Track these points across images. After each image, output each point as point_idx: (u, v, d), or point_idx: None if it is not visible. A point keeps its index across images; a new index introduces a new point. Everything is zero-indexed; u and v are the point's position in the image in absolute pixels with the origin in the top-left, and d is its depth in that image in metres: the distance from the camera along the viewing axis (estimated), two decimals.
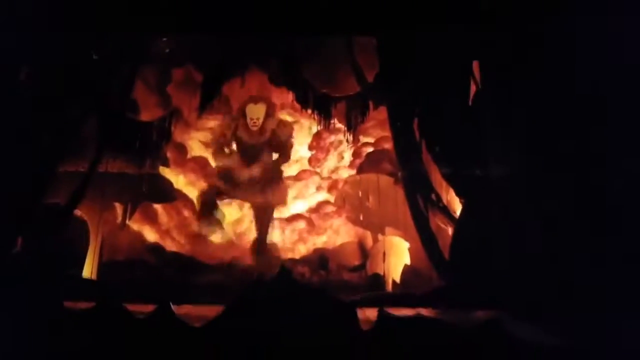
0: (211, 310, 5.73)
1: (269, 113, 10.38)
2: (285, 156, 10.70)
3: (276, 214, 10.59)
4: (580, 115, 7.44)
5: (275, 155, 10.61)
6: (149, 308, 5.53)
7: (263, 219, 10.30)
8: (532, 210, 7.63)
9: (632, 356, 4.88)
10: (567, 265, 6.96)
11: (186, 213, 10.48)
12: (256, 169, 10.29)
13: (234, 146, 10.59)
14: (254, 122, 10.26)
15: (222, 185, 10.32)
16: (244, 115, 10.31)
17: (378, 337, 5.01)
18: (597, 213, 7.09)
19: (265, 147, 10.46)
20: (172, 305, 5.54)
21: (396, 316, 5.29)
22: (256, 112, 10.26)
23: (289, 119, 11.05)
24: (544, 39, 7.83)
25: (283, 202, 10.60)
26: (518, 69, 8.06)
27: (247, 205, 10.60)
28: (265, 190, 10.25)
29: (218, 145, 10.62)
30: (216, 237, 10.37)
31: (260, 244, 10.08)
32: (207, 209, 10.37)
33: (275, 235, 10.53)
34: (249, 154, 10.37)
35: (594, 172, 7.25)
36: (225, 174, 10.36)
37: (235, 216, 10.72)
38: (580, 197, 7.26)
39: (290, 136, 10.69)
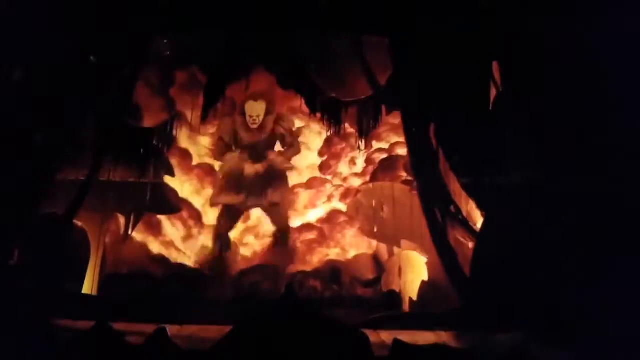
0: (215, 331, 5.66)
1: (269, 111, 10.07)
2: (294, 148, 10.39)
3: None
4: (605, 120, 7.30)
5: (280, 153, 10.32)
6: (151, 328, 5.41)
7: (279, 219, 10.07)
8: (558, 222, 7.28)
9: None
10: (594, 283, 6.67)
11: (192, 223, 10.16)
12: (260, 169, 9.98)
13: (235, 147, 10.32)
14: (254, 120, 9.96)
15: (230, 196, 9.94)
16: (242, 113, 10.01)
17: None
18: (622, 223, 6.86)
19: (267, 145, 10.18)
20: (174, 327, 5.76)
21: (412, 347, 4.90)
22: (256, 110, 9.96)
23: (298, 123, 10.74)
24: (566, 42, 7.64)
25: (292, 205, 10.36)
26: (540, 72, 7.81)
27: (253, 216, 10.27)
28: (271, 191, 9.93)
29: (219, 148, 10.30)
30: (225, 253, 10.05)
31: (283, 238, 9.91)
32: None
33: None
34: (250, 154, 10.07)
35: (619, 181, 7.04)
36: (231, 180, 10.00)
37: (240, 228, 10.39)
38: (610, 203, 7.01)
39: (292, 126, 10.40)
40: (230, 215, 10.02)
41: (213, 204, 10.10)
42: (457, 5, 8.29)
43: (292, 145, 10.37)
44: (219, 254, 9.70)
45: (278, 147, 10.48)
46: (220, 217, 10.02)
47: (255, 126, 10.01)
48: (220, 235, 9.88)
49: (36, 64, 8.19)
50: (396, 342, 4.93)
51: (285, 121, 10.34)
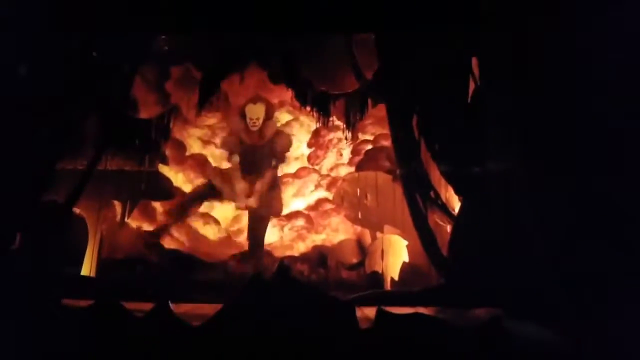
0: (210, 309, 5.66)
1: (269, 114, 10.37)
2: (282, 162, 10.70)
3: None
4: (581, 113, 7.25)
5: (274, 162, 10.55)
6: (148, 306, 5.46)
7: (258, 228, 10.24)
8: (531, 207, 7.53)
9: (634, 353, 4.85)
10: (567, 261, 6.80)
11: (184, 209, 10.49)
12: (255, 181, 10.20)
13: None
14: (254, 122, 10.22)
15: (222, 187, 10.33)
16: (243, 116, 10.28)
17: (377, 335, 4.97)
18: (597, 208, 6.89)
19: (265, 151, 10.42)
20: (170, 304, 5.45)
21: (395, 314, 5.24)
22: (256, 112, 10.21)
23: (288, 116, 11.06)
24: (544, 36, 7.66)
25: (278, 213, 10.55)
26: (517, 66, 7.92)
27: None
28: (262, 200, 10.18)
29: (229, 144, 10.54)
30: (213, 235, 10.37)
31: (254, 250, 10.02)
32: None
33: (274, 233, 10.55)
34: (249, 158, 10.33)
35: (594, 170, 7.03)
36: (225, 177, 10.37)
37: (232, 214, 10.71)
38: (580, 193, 7.07)
39: (288, 148, 10.65)
40: (257, 217, 10.27)
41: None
42: (439, 3, 8.47)
43: (283, 162, 10.65)
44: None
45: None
46: (249, 221, 10.31)
47: (255, 128, 10.26)
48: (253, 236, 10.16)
49: (36, 62, 8.31)
50: (380, 310, 5.14)
51: (284, 138, 10.60)
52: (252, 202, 10.07)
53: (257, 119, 10.22)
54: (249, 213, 10.27)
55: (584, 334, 5.32)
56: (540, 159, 7.58)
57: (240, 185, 10.13)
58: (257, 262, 9.58)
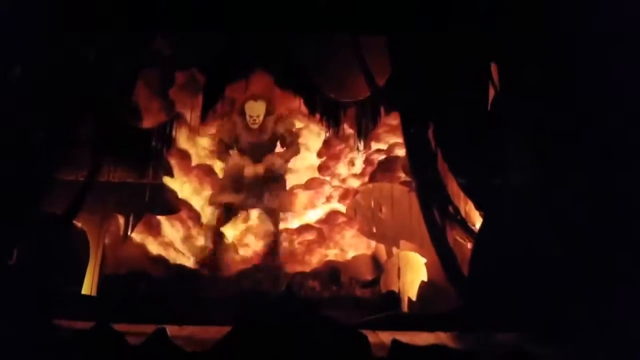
0: (215, 332, 5.63)
1: (269, 111, 10.10)
2: (294, 148, 10.42)
3: (284, 224, 10.27)
4: (602, 121, 7.25)
5: (280, 155, 10.35)
6: (150, 328, 5.36)
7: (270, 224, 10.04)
8: (554, 223, 7.31)
9: None
10: (588, 278, 6.71)
11: (190, 224, 10.16)
12: (260, 169, 10.00)
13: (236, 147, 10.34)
14: (254, 120, 10.01)
15: (230, 195, 10.00)
16: (242, 113, 10.03)
17: None
18: (622, 225, 6.83)
19: (267, 146, 10.21)
20: (173, 327, 5.72)
21: (411, 347, 4.88)
22: (256, 110, 9.99)
23: (297, 124, 10.70)
24: (566, 42, 7.60)
25: (290, 208, 10.29)
26: (539, 74, 7.79)
27: (252, 216, 10.20)
28: (268, 195, 9.97)
29: (220, 149, 10.31)
30: (223, 250, 10.04)
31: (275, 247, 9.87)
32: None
33: (284, 247, 10.20)
34: (250, 155, 10.11)
35: (618, 181, 7.01)
36: (230, 180, 10.08)
37: (240, 229, 10.33)
38: (603, 206, 6.98)
39: (292, 127, 10.40)
40: (228, 214, 10.04)
41: (212, 203, 10.11)
42: (456, 6, 8.24)
43: (292, 146, 10.39)
44: (212, 249, 9.73)
45: (278, 147, 10.52)
46: (219, 216, 10.04)
47: (255, 126, 10.04)
48: (215, 230, 9.92)
49: (36, 63, 8.17)
50: (394, 342, 4.89)
51: (285, 122, 10.35)
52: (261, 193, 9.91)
53: (257, 116, 10.01)
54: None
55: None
56: (561, 168, 7.43)
57: (249, 175, 9.98)
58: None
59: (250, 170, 10.03)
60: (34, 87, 8.10)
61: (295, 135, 10.46)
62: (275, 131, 10.25)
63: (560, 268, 6.99)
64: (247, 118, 10.00)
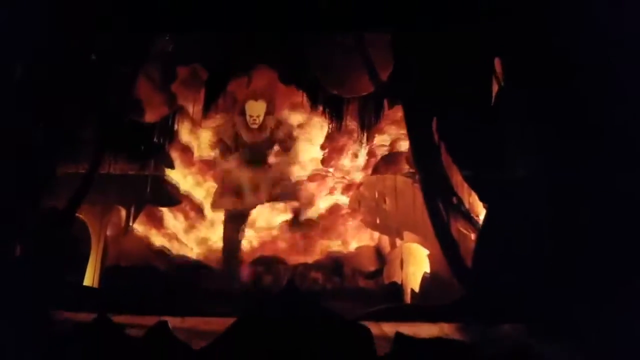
0: (217, 324, 5.57)
1: (270, 111, 10.05)
2: (291, 152, 10.36)
3: (286, 216, 10.23)
4: (605, 115, 7.15)
5: (280, 153, 10.29)
6: (152, 320, 5.36)
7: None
8: (557, 215, 7.21)
9: None
10: (591, 272, 6.60)
11: (193, 215, 10.15)
12: (260, 170, 9.99)
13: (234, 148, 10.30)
14: (254, 120, 9.96)
15: (230, 200, 10.00)
16: (243, 113, 9.99)
17: None
18: (625, 218, 6.73)
19: (267, 146, 10.17)
20: (175, 319, 5.63)
21: (414, 340, 4.84)
22: (256, 110, 9.95)
23: (300, 118, 10.60)
24: (565, 36, 7.49)
25: (295, 199, 10.29)
26: (542, 67, 7.70)
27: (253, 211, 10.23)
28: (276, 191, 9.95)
29: (221, 149, 10.29)
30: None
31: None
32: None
33: (286, 239, 10.22)
34: (250, 154, 10.07)
35: (620, 175, 6.92)
36: (230, 185, 10.05)
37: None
38: (607, 199, 6.88)
39: (291, 132, 10.32)
40: (235, 218, 10.03)
41: (215, 209, 10.12)
42: (459, 0, 8.21)
43: (290, 150, 10.33)
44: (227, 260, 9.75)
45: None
46: (225, 223, 10.05)
47: (255, 126, 10.01)
48: (230, 239, 9.92)
49: (36, 62, 8.13)
50: (398, 335, 4.83)
51: (285, 125, 10.29)
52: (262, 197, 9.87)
53: (258, 116, 9.97)
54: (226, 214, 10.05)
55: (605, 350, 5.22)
56: (565, 161, 7.36)
57: (247, 183, 9.88)
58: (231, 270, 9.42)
59: (250, 176, 9.99)
60: (35, 84, 8.05)
61: (294, 139, 10.38)
62: (275, 134, 10.22)
63: (562, 261, 6.92)
64: (248, 118, 9.97)
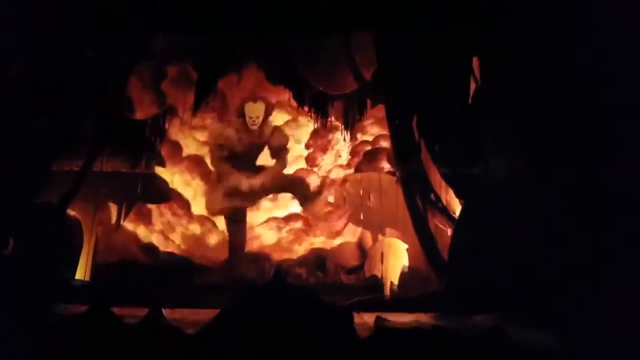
0: (206, 314, 5.61)
1: (268, 113, 10.21)
2: (282, 163, 10.45)
3: (268, 213, 10.52)
4: (581, 114, 7.27)
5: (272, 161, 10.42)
6: (143, 311, 5.41)
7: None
8: (530, 211, 7.48)
9: (630, 355, 4.81)
10: (565, 265, 6.80)
11: (181, 212, 10.34)
12: (258, 177, 10.06)
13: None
14: (253, 121, 10.06)
15: (227, 201, 10.10)
16: (241, 115, 10.11)
17: (375, 345, 4.85)
18: (595, 213, 6.91)
19: (261, 148, 10.31)
20: (165, 310, 5.47)
21: (393, 324, 5.13)
22: (256, 111, 10.06)
23: (286, 116, 10.91)
24: (544, 37, 7.69)
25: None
26: (518, 67, 7.91)
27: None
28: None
29: (216, 154, 10.31)
30: (212, 238, 10.26)
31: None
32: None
33: (271, 235, 10.44)
34: (248, 156, 10.21)
35: (593, 172, 7.07)
36: (226, 189, 10.11)
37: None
38: (578, 197, 7.08)
39: (285, 144, 10.44)
40: (234, 218, 10.19)
41: (213, 214, 10.26)
42: (439, 3, 8.40)
43: (280, 160, 10.41)
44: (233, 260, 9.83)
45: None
46: (228, 224, 10.21)
47: (255, 127, 10.09)
48: (234, 243, 10.05)
49: (34, 59, 8.28)
50: (378, 320, 5.05)
51: (281, 135, 10.41)
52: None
53: (257, 117, 10.06)
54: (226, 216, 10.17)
55: (582, 336, 5.29)
56: (539, 160, 7.53)
57: (244, 184, 9.98)
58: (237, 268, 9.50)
59: (245, 183, 10.02)
60: (34, 83, 8.20)
61: (287, 151, 10.45)
62: (271, 141, 10.29)
63: (538, 256, 7.16)
64: (247, 119, 10.05)
